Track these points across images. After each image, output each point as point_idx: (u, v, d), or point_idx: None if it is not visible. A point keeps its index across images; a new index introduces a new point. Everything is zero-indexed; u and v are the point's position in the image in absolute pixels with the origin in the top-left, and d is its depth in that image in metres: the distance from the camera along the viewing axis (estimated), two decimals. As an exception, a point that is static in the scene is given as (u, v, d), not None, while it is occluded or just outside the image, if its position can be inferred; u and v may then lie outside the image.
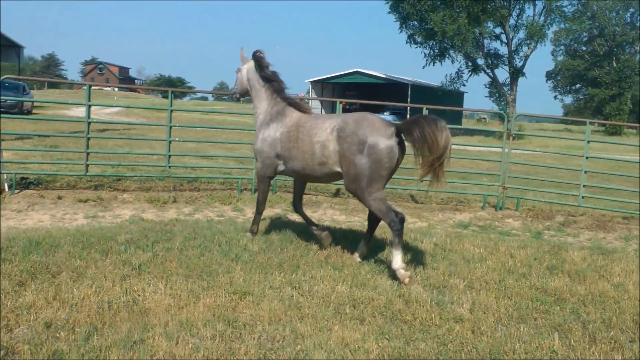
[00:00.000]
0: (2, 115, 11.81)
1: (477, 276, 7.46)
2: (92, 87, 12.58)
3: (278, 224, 9.96)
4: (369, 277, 7.13)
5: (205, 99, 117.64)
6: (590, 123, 14.05)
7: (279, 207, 12.21)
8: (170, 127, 12.78)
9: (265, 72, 8.45)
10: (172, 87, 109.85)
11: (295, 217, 11.40)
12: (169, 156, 12.87)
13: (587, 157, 13.09)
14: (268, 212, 11.60)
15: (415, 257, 8.09)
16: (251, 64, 8.70)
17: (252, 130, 15.49)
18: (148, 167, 13.81)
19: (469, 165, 20.51)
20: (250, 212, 11.49)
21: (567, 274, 7.86)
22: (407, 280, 6.95)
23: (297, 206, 8.74)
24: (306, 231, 8.93)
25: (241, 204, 12.12)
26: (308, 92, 66.63)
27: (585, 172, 13.10)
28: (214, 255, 7.48)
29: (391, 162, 7.16)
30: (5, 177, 11.58)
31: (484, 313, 6.14)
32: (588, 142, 13.04)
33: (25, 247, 7.14)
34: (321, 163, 7.59)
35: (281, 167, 8.21)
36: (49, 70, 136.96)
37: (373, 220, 7.99)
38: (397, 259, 7.13)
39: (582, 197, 12.94)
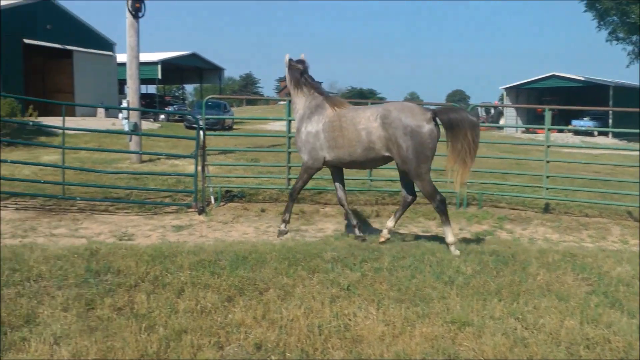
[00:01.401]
0: (206, 132, 12.02)
1: None
2: (284, 102, 12.56)
3: (487, 242, 9.30)
4: (600, 311, 6.13)
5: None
6: None
7: (486, 223, 11.48)
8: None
9: (296, 74, 9.06)
10: (363, 98, 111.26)
11: (505, 234, 10.64)
12: (370, 170, 12.48)
13: None
14: (475, 228, 10.99)
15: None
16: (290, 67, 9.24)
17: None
18: (348, 180, 13.48)
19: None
20: (457, 228, 10.91)
21: None
22: (457, 253, 8.01)
23: (342, 199, 9.28)
24: (521, 252, 8.20)
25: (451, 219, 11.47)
26: (501, 99, 64.49)
27: None
28: (426, 277, 6.87)
29: (433, 143, 8.18)
30: (211, 190, 11.84)
31: None
32: None
33: (233, 261, 6.97)
34: (368, 148, 8.30)
35: (328, 157, 8.67)
36: (247, 89, 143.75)
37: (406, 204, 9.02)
38: (449, 235, 8.35)
39: None
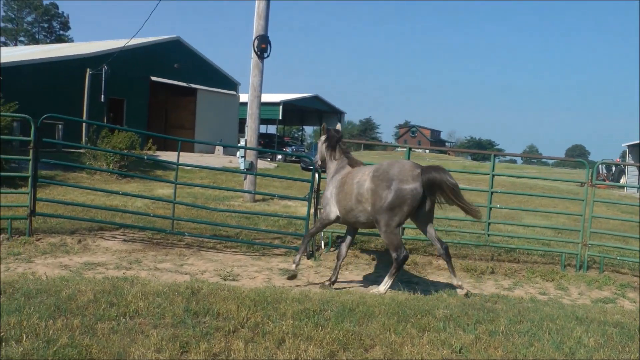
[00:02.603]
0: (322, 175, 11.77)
1: None
2: (402, 149, 12.17)
3: (609, 311, 8.45)
4: None
5: (514, 161, 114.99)
6: None
7: (607, 289, 10.64)
8: (492, 192, 11.87)
9: (333, 141, 9.56)
10: (481, 149, 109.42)
11: (628, 304, 9.78)
12: (489, 223, 11.88)
13: None
14: (596, 294, 10.21)
15: None
16: (323, 137, 9.77)
17: (568, 199, 14.02)
18: (464, 233, 12.91)
19: None
20: (576, 293, 10.26)
21: None
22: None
23: (341, 251, 9.39)
24: None
25: (565, 281, 10.76)
26: (624, 157, 61.51)
27: None
28: (544, 346, 6.22)
29: (413, 200, 8.25)
30: (322, 234, 11.55)
31: None
32: None
33: (339, 312, 6.57)
34: (358, 201, 8.58)
35: (336, 211, 9.06)
36: (366, 134, 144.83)
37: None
38: (386, 284, 8.50)
39: None
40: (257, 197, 17.31)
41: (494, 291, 9.60)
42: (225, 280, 8.95)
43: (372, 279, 9.78)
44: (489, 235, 12.00)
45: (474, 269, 10.87)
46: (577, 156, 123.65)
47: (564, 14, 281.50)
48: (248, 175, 17.21)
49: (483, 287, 9.87)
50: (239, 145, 21.73)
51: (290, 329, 5.82)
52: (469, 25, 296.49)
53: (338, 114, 62.12)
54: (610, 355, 6.13)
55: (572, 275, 11.07)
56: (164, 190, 17.65)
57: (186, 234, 11.29)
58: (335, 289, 8.76)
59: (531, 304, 8.57)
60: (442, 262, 11.10)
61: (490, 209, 11.84)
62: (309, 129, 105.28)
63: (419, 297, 8.15)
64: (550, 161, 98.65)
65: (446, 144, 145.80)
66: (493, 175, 11.84)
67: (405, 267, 10.55)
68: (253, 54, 17.32)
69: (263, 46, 17.21)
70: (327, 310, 6.64)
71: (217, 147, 38.34)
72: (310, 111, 62.77)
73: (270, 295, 7.01)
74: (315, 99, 58.43)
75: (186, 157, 25.57)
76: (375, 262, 10.95)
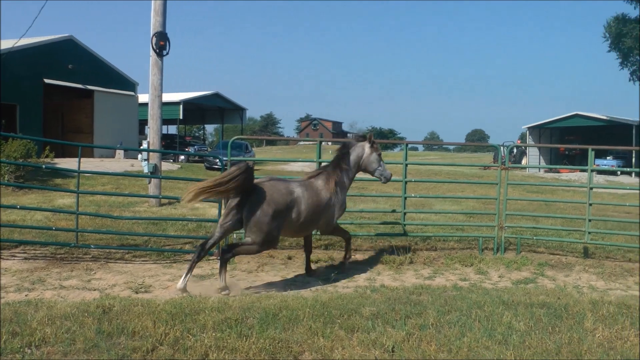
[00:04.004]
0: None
1: None
2: (306, 142, 11.95)
3: (533, 292, 8.58)
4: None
5: (415, 149, 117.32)
6: None
7: (526, 269, 10.80)
8: (406, 182, 11.78)
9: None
10: (383, 138, 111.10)
11: (548, 282, 9.93)
12: (404, 213, 11.82)
13: None
14: (516, 276, 10.36)
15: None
16: (368, 144, 9.97)
17: (484, 183, 14.26)
18: (379, 225, 12.80)
19: None
20: (496, 276, 10.32)
21: None
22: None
23: None
24: (573, 303, 7.57)
25: (484, 265, 10.84)
26: (524, 139, 63.72)
27: None
28: (477, 335, 6.12)
29: None
30: (235, 236, 11.14)
31: None
32: None
33: (262, 319, 6.25)
34: None
35: None
36: (267, 129, 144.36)
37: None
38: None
39: None
40: (164, 200, 16.68)
41: (415, 281, 9.51)
42: (137, 293, 8.43)
43: (290, 279, 9.51)
44: (405, 225, 11.90)
45: (392, 260, 10.76)
46: (477, 140, 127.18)
47: (461, 3, 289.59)
48: (152, 178, 16.58)
49: (404, 278, 9.77)
50: (142, 148, 20.96)
51: (212, 342, 5.50)
52: (368, 17, 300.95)
53: (240, 111, 61.38)
54: (542, 337, 6.14)
55: (490, 259, 11.17)
56: (65, 200, 16.75)
57: (92, 246, 10.57)
58: (255, 293, 8.42)
59: (456, 292, 8.58)
60: (359, 256, 10.97)
61: (405, 198, 11.72)
62: (210, 128, 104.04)
63: (343, 295, 7.94)
64: (452, 147, 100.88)
65: (348, 135, 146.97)
66: (406, 165, 11.74)
67: (324, 263, 10.37)
68: (152, 52, 16.61)
69: (162, 43, 16.54)
70: (250, 317, 6.35)
71: (118, 151, 37.18)
72: (212, 109, 61.72)
73: (188, 306, 6.63)
74: (216, 96, 57.49)
75: (86, 163, 24.46)
76: (291, 261, 10.68)
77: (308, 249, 9.86)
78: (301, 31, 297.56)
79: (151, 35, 16.53)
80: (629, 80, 49.03)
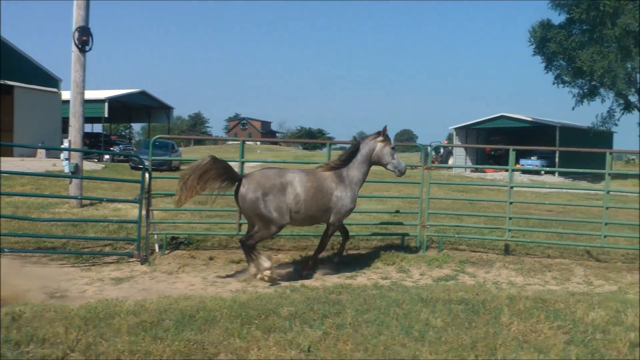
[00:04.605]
0: (152, 173, 11.18)
1: None
2: (234, 142, 11.85)
3: (453, 289, 8.75)
4: (581, 363, 5.67)
5: (344, 148, 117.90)
6: None
7: (447, 267, 11.02)
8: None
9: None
10: (312, 138, 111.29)
11: (469, 279, 10.14)
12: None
13: None
14: (437, 273, 10.54)
15: (625, 335, 6.52)
16: (381, 138, 10.29)
17: (402, 182, 14.43)
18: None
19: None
20: (417, 274, 10.50)
21: None
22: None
23: None
24: (491, 299, 7.76)
25: (406, 263, 10.98)
26: (450, 139, 64.86)
27: None
28: (394, 332, 6.21)
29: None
30: (156, 237, 10.99)
31: None
32: None
33: (178, 321, 6.19)
34: None
35: None
36: (195, 128, 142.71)
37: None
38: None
39: None
40: (85, 201, 16.27)
41: (336, 281, 9.56)
42: (52, 298, 8.20)
43: (211, 279, 9.43)
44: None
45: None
46: (405, 140, 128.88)
47: (391, 4, 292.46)
48: (74, 178, 16.17)
49: (325, 278, 9.80)
50: (63, 147, 20.40)
51: (126, 346, 5.39)
52: (291, 17, 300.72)
53: (166, 110, 60.48)
54: (459, 333, 6.25)
55: (412, 257, 11.30)
56: (-19, 201, 16.17)
57: (6, 250, 10.13)
58: (175, 296, 8.30)
59: (376, 290, 8.64)
60: (282, 256, 10.97)
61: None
62: (137, 127, 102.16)
63: (262, 295, 7.92)
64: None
65: (277, 134, 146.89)
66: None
67: (244, 263, 10.26)
68: (74, 48, 16.10)
69: (84, 39, 16.06)
70: (166, 320, 6.27)
71: (39, 150, 36.08)
72: (138, 107, 60.60)
73: (103, 311, 6.49)
74: (143, 94, 56.47)
75: (5, 162, 23.66)
76: (212, 262, 10.58)
77: (343, 243, 10.59)
78: (228, 28, 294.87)
79: (73, 30, 16.05)
80: (553, 83, 50.81)
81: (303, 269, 10.07)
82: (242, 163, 11.30)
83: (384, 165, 10.26)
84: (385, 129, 10.22)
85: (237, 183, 9.34)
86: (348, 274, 10.15)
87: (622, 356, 5.95)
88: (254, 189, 9.17)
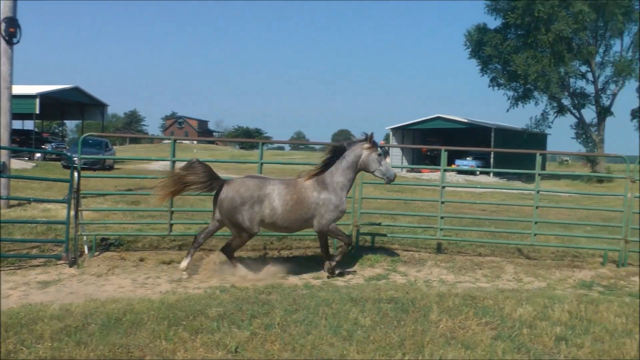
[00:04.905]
0: (84, 172, 10.92)
1: (632, 356, 6.11)
2: (169, 141, 11.67)
3: (384, 288, 8.88)
4: (508, 358, 5.84)
5: (282, 148, 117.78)
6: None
7: (379, 266, 11.07)
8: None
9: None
10: (249, 137, 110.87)
11: (400, 278, 10.24)
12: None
13: None
14: (369, 272, 10.62)
15: (551, 329, 6.74)
16: (368, 145, 10.11)
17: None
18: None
19: (570, 214, 18.90)
20: (349, 273, 10.51)
21: None
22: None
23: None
24: (421, 297, 7.97)
25: (338, 263, 10.93)
26: (387, 140, 65.39)
27: None
28: (322, 332, 6.27)
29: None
30: (85, 238, 10.75)
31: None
32: None
33: (104, 324, 6.09)
34: None
35: None
36: (131, 126, 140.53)
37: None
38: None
39: None
40: (13, 202, 15.83)
41: (269, 281, 9.48)
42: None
43: (141, 281, 9.30)
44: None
45: (247, 259, 10.66)
46: (343, 140, 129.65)
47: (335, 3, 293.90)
48: (1, 178, 15.73)
49: (257, 277, 9.69)
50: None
51: (48, 353, 5.30)
52: (227, 14, 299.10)
53: (101, 107, 59.22)
54: (387, 331, 6.33)
55: (346, 256, 11.29)
56: None
57: None
58: (102, 299, 8.15)
59: (306, 290, 8.65)
60: (214, 257, 10.79)
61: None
62: (71, 124, 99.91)
63: (191, 296, 7.85)
64: (317, 146, 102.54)
65: (214, 133, 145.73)
66: (262, 164, 11.72)
67: (175, 264, 10.18)
68: (0, 40, 15.68)
69: (12, 30, 15.54)
70: (91, 324, 6.17)
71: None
72: (71, 104, 59.10)
73: (26, 316, 6.35)
74: (76, 90, 55.02)
75: None
76: (143, 263, 10.40)
77: (323, 249, 10.30)
78: (164, 24, 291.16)
79: (0, 21, 15.59)
80: (489, 86, 52.07)
81: (326, 271, 10.15)
82: (174, 162, 11.13)
83: (372, 172, 10.15)
84: (372, 135, 10.10)
85: (218, 187, 9.58)
86: (280, 274, 10.06)
87: (548, 350, 6.16)
88: (231, 197, 9.36)
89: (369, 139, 10.05)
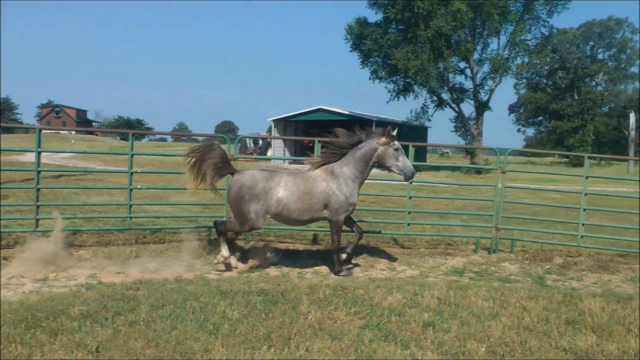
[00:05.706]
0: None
1: (496, 337, 6.45)
2: (47, 131, 11.25)
3: (255, 280, 8.97)
4: (375, 346, 6.02)
5: (165, 140, 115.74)
6: (559, 155, 13.24)
7: (255, 259, 10.98)
8: (132, 173, 11.41)
9: None
10: (131, 128, 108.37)
11: (273, 270, 10.26)
12: (130, 205, 11.49)
13: (585, 194, 12.11)
14: (245, 266, 10.48)
15: (419, 316, 7.01)
16: (384, 139, 10.12)
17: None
18: (107, 218, 12.38)
19: (448, 205, 19.60)
20: (223, 266, 10.32)
21: (590, 329, 6.91)
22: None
23: None
24: (291, 289, 8.07)
25: (213, 256, 10.83)
26: (270, 131, 65.47)
27: (585, 209, 12.09)
28: (188, 327, 6.24)
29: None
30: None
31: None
32: (587, 177, 12.13)
33: (-45, 331, 5.81)
34: None
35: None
36: (3, 115, 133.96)
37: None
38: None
39: (582, 236, 11.95)
40: None
41: (138, 276, 9.27)
42: None
43: (3, 282, 8.83)
44: (131, 218, 11.67)
45: (118, 255, 10.38)
46: (226, 132, 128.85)
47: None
48: None
49: (128, 273, 9.50)
50: None
51: None
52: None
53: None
54: (255, 324, 6.38)
55: (217, 251, 11.19)
56: None
57: None
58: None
59: (175, 284, 8.54)
60: (83, 253, 10.54)
61: (131, 190, 11.42)
62: None
63: (54, 296, 7.58)
64: (201, 138, 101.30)
65: (93, 124, 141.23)
66: (132, 155, 11.37)
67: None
68: None
69: None
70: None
71: None
72: None
73: None
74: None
75: None
76: (6, 262, 9.82)
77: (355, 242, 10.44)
78: (41, 6, 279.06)
79: None
80: (370, 79, 53.08)
81: (335, 270, 10.10)
82: (39, 153, 10.71)
83: (388, 168, 10.05)
84: (389, 129, 10.03)
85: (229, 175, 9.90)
86: (152, 268, 9.83)
87: (415, 336, 6.39)
88: (239, 187, 9.47)
89: (386, 133, 10.02)
